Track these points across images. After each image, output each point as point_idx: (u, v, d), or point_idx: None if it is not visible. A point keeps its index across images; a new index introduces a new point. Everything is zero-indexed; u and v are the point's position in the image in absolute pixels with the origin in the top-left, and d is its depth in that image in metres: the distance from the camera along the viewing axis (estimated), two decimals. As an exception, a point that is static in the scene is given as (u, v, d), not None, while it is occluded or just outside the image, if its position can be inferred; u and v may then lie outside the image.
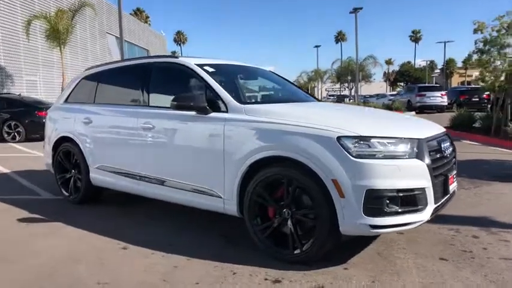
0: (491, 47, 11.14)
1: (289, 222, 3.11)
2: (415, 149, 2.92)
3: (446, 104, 23.67)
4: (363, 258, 3.22)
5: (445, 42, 61.45)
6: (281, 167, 3.11)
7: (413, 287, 2.73)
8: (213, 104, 3.57)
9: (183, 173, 3.75)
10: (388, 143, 2.87)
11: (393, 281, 2.82)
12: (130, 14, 43.97)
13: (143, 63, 4.46)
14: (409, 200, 2.83)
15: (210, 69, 3.95)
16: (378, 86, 76.88)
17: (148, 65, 4.36)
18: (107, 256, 3.36)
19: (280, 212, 3.15)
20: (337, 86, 67.91)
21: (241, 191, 3.33)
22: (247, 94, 4.49)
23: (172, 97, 3.67)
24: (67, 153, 5.04)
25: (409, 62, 78.97)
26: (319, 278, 2.88)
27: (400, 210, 2.81)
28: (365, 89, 65.76)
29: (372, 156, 2.82)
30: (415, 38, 78.06)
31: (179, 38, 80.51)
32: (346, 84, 62.25)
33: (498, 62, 11.39)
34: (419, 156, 2.90)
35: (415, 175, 2.86)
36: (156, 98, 4.18)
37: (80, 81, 5.20)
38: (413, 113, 21.26)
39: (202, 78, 3.80)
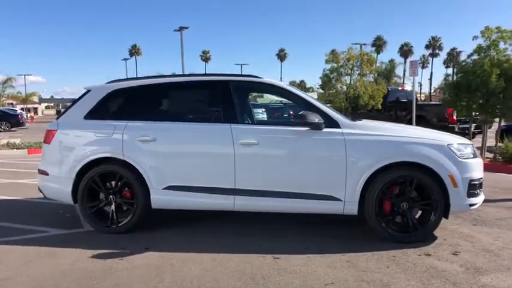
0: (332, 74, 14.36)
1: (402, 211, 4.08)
2: (474, 150, 4.38)
3: None
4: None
5: (241, 65, 68.89)
6: (404, 170, 4.05)
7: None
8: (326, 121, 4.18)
9: (298, 182, 4.16)
10: (466, 147, 4.24)
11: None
12: None
13: (218, 81, 4.49)
14: (481, 185, 4.26)
15: (297, 90, 4.49)
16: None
17: (225, 82, 4.45)
18: (289, 266, 3.52)
19: (398, 206, 4.09)
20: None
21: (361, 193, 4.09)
22: None
23: (259, 114, 4.09)
24: (104, 177, 4.42)
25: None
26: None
27: (479, 192, 4.20)
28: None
29: (467, 157, 4.13)
30: (205, 58, 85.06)
31: None
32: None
33: (338, 86, 14.73)
34: (476, 155, 4.37)
35: (481, 169, 4.31)
36: (245, 116, 4.37)
37: (108, 95, 4.59)
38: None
39: (301, 98, 4.34)
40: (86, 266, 3.56)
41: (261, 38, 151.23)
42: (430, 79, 79.44)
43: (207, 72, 4.61)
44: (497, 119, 10.07)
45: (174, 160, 4.35)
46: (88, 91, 4.74)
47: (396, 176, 4.07)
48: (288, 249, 3.91)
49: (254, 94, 5.35)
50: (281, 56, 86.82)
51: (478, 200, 4.19)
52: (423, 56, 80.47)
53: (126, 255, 3.78)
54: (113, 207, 4.44)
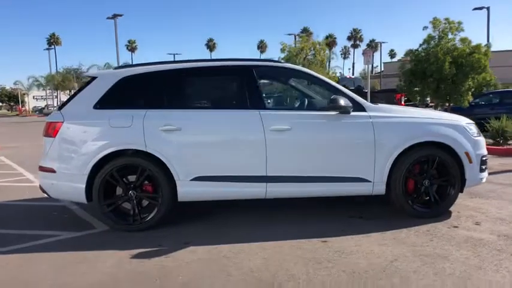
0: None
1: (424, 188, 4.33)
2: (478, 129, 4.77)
3: None
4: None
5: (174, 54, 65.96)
6: (427, 149, 4.28)
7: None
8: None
9: (329, 166, 4.20)
10: (474, 126, 4.60)
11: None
12: None
13: (242, 66, 4.33)
14: (487, 161, 4.66)
15: (321, 76, 4.51)
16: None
17: (249, 67, 4.30)
18: (343, 248, 3.54)
19: (421, 182, 4.33)
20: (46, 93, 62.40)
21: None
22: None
23: (280, 100, 4.10)
24: (123, 170, 4.06)
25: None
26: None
27: (487, 167, 4.60)
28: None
29: (477, 135, 4.48)
30: (131, 47, 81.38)
31: None
32: (68, 91, 59.35)
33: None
34: (480, 133, 4.75)
35: (485, 146, 4.70)
36: (272, 101, 4.29)
37: (119, 82, 4.19)
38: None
39: (327, 83, 4.37)
40: (134, 267, 3.27)
41: (191, 27, 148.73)
42: (352, 69, 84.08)
43: (228, 58, 4.42)
44: (447, 104, 11.03)
45: (202, 150, 4.13)
46: (93, 78, 4.31)
47: (420, 155, 4.28)
48: (326, 232, 3.94)
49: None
50: (210, 46, 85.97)
51: (486, 174, 4.58)
52: (345, 47, 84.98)
53: (169, 252, 3.54)
54: (134, 203, 4.11)
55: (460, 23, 10.07)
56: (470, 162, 4.32)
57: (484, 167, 4.49)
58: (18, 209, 5.23)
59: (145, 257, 3.47)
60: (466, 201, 4.97)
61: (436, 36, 10.22)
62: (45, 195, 4.31)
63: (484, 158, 4.46)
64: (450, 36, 10.20)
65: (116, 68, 4.44)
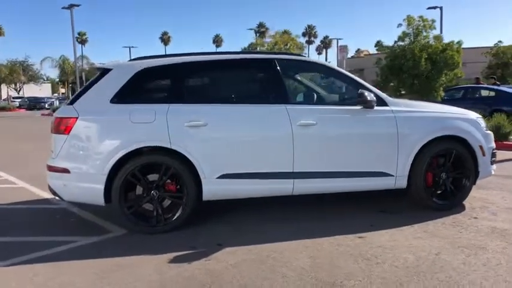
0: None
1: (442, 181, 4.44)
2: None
3: None
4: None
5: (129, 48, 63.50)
6: (445, 143, 4.38)
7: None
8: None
9: (355, 161, 4.19)
10: (483, 121, 4.78)
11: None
12: None
13: (266, 59, 4.19)
14: (495, 154, 4.86)
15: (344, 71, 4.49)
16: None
17: (273, 60, 4.17)
18: (383, 243, 3.53)
19: (439, 175, 4.44)
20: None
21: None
22: None
23: (306, 93, 4.07)
24: (145, 169, 3.80)
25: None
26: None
27: (495, 160, 4.80)
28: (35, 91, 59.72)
29: (487, 129, 4.66)
30: (82, 40, 77.49)
31: None
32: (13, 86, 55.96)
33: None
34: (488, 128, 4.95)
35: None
36: (296, 95, 4.20)
37: (138, 74, 3.89)
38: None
39: (351, 78, 4.35)
40: (179, 273, 3.06)
41: (144, 20, 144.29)
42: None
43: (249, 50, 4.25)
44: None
45: (229, 146, 3.97)
46: (107, 70, 3.99)
47: (440, 149, 4.38)
48: (357, 228, 3.92)
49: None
50: (164, 39, 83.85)
51: (495, 167, 4.78)
52: (300, 42, 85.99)
53: (207, 255, 3.36)
54: (157, 203, 3.87)
55: (433, 21, 10.53)
56: (484, 155, 4.49)
57: (493, 159, 4.68)
58: (13, 213, 4.77)
59: (183, 260, 3.27)
60: (472, 192, 5.16)
61: (411, 34, 10.59)
62: (56, 198, 3.94)
63: (493, 151, 4.65)
64: (424, 33, 10.62)
65: (130, 60, 4.13)
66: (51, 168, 3.87)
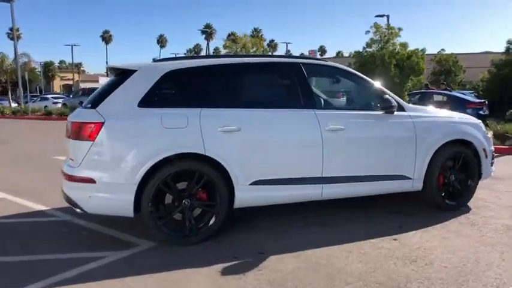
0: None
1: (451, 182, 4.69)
2: None
3: None
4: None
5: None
6: (456, 147, 4.62)
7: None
8: None
9: (380, 165, 4.29)
10: (483, 124, 5.11)
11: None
12: None
13: (293, 63, 4.16)
14: (494, 157, 5.21)
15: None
16: None
17: (299, 65, 4.15)
18: (419, 244, 3.61)
19: (449, 177, 4.67)
20: None
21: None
22: None
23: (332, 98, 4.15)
24: (177, 176, 3.60)
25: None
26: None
27: (494, 162, 5.14)
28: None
29: (487, 132, 4.99)
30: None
31: None
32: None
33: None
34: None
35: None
36: (323, 100, 4.21)
37: (165, 77, 3.67)
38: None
39: (374, 85, 4.46)
40: (235, 285, 2.93)
41: (84, 17, 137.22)
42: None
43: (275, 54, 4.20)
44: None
45: (262, 151, 3.88)
46: (130, 71, 3.72)
47: (451, 152, 4.61)
48: (387, 230, 4.01)
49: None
50: (105, 38, 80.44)
51: (494, 168, 5.12)
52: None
53: (257, 265, 3.25)
54: (189, 213, 3.68)
55: (400, 29, 11.11)
56: (486, 157, 4.79)
57: (493, 161, 5.02)
58: (15, 229, 4.30)
59: (235, 272, 3.14)
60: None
61: (380, 40, 11.09)
62: (78, 210, 3.60)
63: (494, 154, 4.99)
64: (392, 41, 11.16)
65: (155, 61, 3.89)
66: (72, 178, 3.54)
